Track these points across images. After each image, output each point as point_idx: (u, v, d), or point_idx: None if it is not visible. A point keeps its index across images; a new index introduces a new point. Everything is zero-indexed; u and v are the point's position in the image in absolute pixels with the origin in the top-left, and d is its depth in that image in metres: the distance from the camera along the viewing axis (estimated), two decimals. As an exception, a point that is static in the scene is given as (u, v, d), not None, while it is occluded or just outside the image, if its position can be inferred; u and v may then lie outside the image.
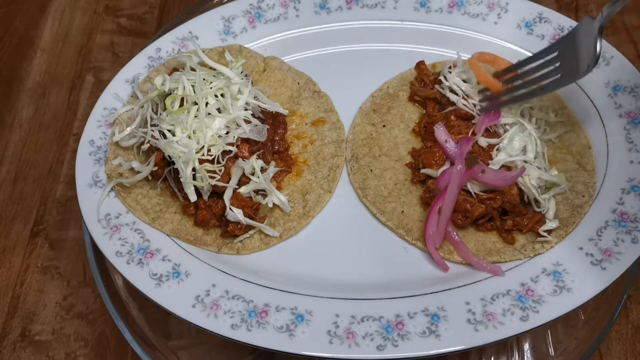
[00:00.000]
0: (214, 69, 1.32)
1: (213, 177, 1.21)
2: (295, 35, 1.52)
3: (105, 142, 1.34)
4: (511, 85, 1.27)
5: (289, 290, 1.15)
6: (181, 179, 1.22)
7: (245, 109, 1.28)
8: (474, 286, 1.13)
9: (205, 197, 1.25)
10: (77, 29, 1.93)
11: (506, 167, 1.21)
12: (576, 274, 1.11)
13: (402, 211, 1.27)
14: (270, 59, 1.49)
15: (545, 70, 1.21)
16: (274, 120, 1.37)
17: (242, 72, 1.37)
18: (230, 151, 1.23)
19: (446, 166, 1.25)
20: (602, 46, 1.36)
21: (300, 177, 1.34)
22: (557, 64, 1.19)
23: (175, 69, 1.41)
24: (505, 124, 1.27)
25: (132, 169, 1.28)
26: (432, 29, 1.50)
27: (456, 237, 1.20)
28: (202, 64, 1.36)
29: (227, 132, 1.24)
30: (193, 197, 1.23)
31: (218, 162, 1.22)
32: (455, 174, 1.19)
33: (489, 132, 1.27)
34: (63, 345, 1.37)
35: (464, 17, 1.49)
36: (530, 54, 1.42)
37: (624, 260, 1.11)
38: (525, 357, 1.22)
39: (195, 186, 1.23)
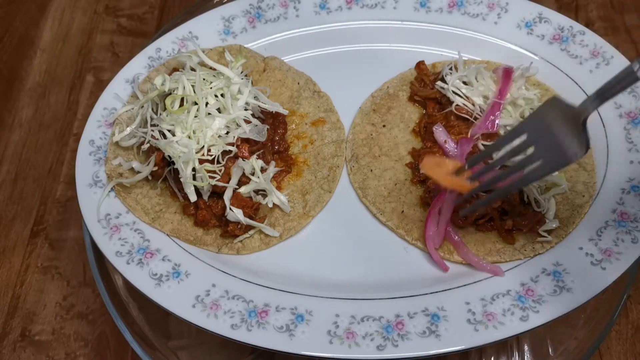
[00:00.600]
0: (214, 69, 1.32)
1: (213, 177, 1.21)
2: (295, 35, 1.52)
3: (105, 142, 1.34)
4: (475, 186, 1.11)
5: (289, 290, 1.15)
6: (181, 179, 1.22)
7: (245, 109, 1.28)
8: (474, 286, 1.13)
9: (205, 197, 1.25)
10: (77, 29, 1.93)
11: (506, 167, 1.21)
12: (576, 274, 1.11)
13: (402, 211, 1.27)
14: (270, 59, 1.49)
15: (520, 158, 1.02)
16: (274, 120, 1.37)
17: (242, 72, 1.37)
18: (230, 151, 1.23)
19: None
20: (602, 46, 1.38)
21: (300, 177, 1.34)
22: (533, 150, 1.00)
23: (175, 69, 1.41)
24: (506, 125, 1.27)
25: (132, 169, 1.28)
26: (432, 29, 1.50)
27: (456, 237, 1.20)
28: (202, 64, 1.36)
29: (227, 132, 1.24)
30: (193, 197, 1.23)
31: (218, 162, 1.22)
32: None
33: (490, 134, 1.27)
34: (63, 345, 1.37)
35: (464, 17, 1.49)
36: (531, 54, 1.43)
37: (624, 260, 1.11)
38: (525, 357, 1.22)
39: (195, 186, 1.23)
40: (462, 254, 1.19)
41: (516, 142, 1.03)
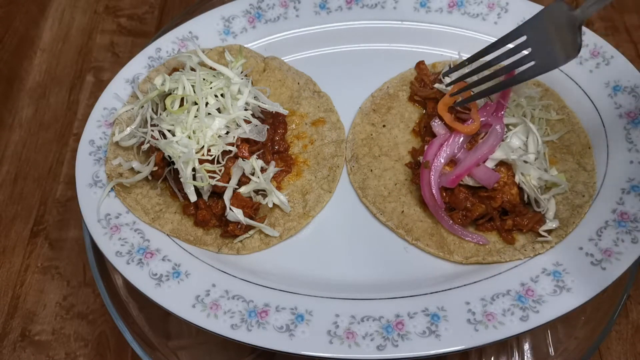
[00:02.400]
0: (214, 69, 1.32)
1: (213, 177, 1.21)
2: (295, 35, 1.52)
3: (105, 142, 1.34)
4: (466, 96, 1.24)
5: (289, 290, 1.15)
6: (181, 179, 1.22)
7: (245, 109, 1.28)
8: (474, 286, 1.13)
9: (205, 197, 1.25)
10: (77, 29, 1.93)
11: (505, 165, 1.21)
12: (576, 274, 1.11)
13: (402, 211, 1.27)
14: (270, 59, 1.49)
15: (516, 57, 1.15)
16: (274, 120, 1.37)
17: (242, 72, 1.37)
18: (230, 151, 1.23)
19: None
20: (602, 46, 1.38)
21: (300, 177, 1.34)
22: (529, 51, 1.12)
23: (175, 69, 1.41)
24: (508, 124, 1.27)
25: (132, 169, 1.28)
26: (432, 29, 1.50)
27: (445, 217, 1.22)
28: (202, 64, 1.36)
29: (227, 132, 1.24)
30: (193, 197, 1.23)
31: (218, 162, 1.22)
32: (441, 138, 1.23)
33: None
34: (63, 345, 1.37)
35: (464, 17, 1.49)
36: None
37: (624, 260, 1.11)
38: (525, 357, 1.22)
39: (195, 186, 1.23)
40: (447, 226, 1.22)
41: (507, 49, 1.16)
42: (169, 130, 1.23)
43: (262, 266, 1.22)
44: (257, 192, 1.28)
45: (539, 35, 1.09)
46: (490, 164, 1.20)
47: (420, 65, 1.45)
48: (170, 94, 1.27)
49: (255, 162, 1.24)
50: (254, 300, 1.12)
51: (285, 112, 1.36)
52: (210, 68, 1.33)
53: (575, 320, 1.21)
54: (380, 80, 1.47)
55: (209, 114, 1.23)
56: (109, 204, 1.26)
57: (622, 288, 1.17)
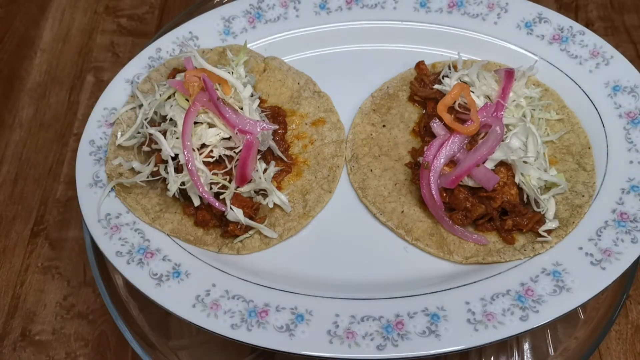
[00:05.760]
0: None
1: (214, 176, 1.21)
2: (295, 35, 1.52)
3: (106, 142, 1.34)
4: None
5: (289, 290, 1.15)
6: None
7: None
8: (473, 286, 1.13)
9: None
10: (77, 29, 1.93)
11: (505, 165, 1.21)
12: (576, 274, 1.11)
13: (402, 211, 1.27)
14: (270, 59, 1.49)
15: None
16: (273, 120, 1.37)
17: (245, 68, 1.36)
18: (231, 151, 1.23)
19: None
20: (602, 46, 1.38)
21: (300, 177, 1.34)
22: None
23: (175, 69, 1.41)
24: (507, 125, 1.27)
25: (132, 169, 1.28)
26: (432, 29, 1.50)
27: (445, 217, 1.23)
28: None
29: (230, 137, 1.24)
30: (197, 201, 1.23)
31: (219, 163, 1.22)
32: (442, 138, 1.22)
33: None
34: (63, 345, 1.37)
35: (464, 17, 1.49)
36: (531, 54, 1.43)
37: (623, 260, 1.11)
38: (525, 357, 1.22)
39: (195, 186, 1.23)
40: (447, 227, 1.22)
41: None
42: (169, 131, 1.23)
43: (262, 266, 1.22)
44: (257, 192, 1.28)
45: None
46: (490, 164, 1.20)
47: (420, 65, 1.45)
48: (170, 97, 1.27)
49: (258, 162, 1.24)
50: (254, 300, 1.12)
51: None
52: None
53: (575, 320, 1.21)
54: (380, 80, 1.47)
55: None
56: (109, 204, 1.26)
57: (622, 288, 1.17)
